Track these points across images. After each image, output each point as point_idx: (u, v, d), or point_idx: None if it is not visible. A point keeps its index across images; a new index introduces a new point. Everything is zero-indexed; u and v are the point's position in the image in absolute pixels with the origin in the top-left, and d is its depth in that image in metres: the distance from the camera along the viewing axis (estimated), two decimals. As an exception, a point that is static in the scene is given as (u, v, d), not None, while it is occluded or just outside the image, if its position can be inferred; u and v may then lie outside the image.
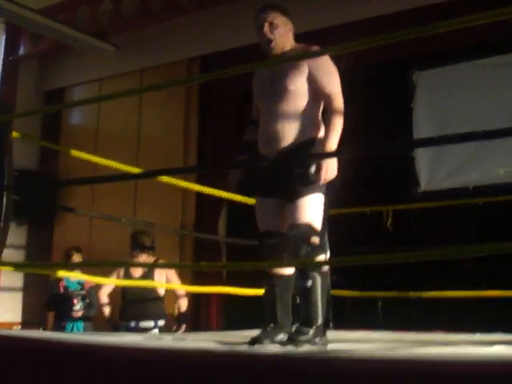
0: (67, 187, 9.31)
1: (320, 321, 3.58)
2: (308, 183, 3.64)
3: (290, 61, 3.87)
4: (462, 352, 3.16)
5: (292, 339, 3.49)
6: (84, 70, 9.95)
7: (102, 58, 9.48)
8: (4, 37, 10.17)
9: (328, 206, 3.98)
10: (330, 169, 3.68)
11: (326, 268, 3.74)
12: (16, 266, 7.11)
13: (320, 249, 3.69)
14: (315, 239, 3.64)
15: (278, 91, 3.83)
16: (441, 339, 4.52)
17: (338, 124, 3.83)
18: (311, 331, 3.53)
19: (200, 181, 7.53)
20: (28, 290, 9.91)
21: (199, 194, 8.10)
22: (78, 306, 7.37)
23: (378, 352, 3.09)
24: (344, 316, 6.99)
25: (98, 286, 7.23)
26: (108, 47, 9.32)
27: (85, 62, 9.87)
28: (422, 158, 7.45)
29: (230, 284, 6.28)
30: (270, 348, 3.31)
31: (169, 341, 3.83)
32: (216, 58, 8.50)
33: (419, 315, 6.88)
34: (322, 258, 3.72)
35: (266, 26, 3.87)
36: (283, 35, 3.90)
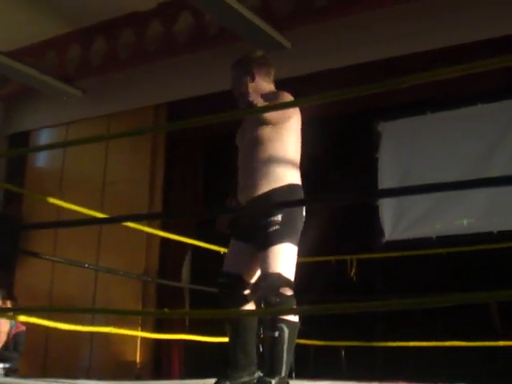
0: (30, 231, 9.22)
1: (284, 372, 3.53)
2: (277, 230, 3.64)
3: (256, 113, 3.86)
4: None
5: None
6: (50, 114, 9.91)
7: (68, 102, 9.46)
8: (-30, 78, 10.13)
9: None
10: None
11: (295, 319, 3.66)
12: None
13: (289, 299, 3.63)
14: (285, 290, 3.60)
15: (247, 140, 3.90)
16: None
17: None
18: (273, 382, 3.48)
19: (165, 228, 7.51)
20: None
21: (163, 242, 8.07)
22: None
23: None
24: (307, 365, 6.95)
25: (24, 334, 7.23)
26: (75, 91, 9.31)
27: (51, 105, 9.84)
28: (387, 208, 7.49)
29: (192, 332, 6.23)
30: None
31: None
32: (183, 105, 8.52)
33: (383, 365, 6.87)
34: (291, 307, 3.65)
35: (237, 93, 3.99)
36: (254, 92, 3.91)
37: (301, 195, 3.89)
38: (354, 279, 7.13)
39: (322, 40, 7.52)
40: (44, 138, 10.12)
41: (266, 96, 3.90)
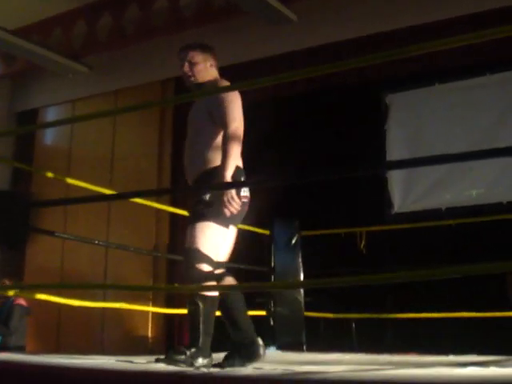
0: (40, 208, 9.24)
1: (201, 344, 3.73)
2: (203, 209, 3.84)
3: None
4: (435, 374, 3.16)
5: (168, 357, 3.65)
6: (58, 91, 9.91)
7: (75, 79, 9.45)
8: (-24, 57, 10.13)
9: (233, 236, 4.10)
10: (230, 197, 3.79)
11: (214, 293, 3.85)
12: (-13, 289, 7.05)
13: (208, 275, 3.82)
14: (202, 266, 3.80)
15: (192, 125, 4.17)
16: (414, 361, 4.52)
17: (231, 151, 3.91)
18: (188, 352, 3.68)
19: (174, 203, 7.51)
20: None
21: (173, 216, 8.08)
22: None
23: (350, 374, 3.08)
24: (317, 338, 6.99)
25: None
26: (82, 68, 9.30)
27: (58, 83, 9.83)
28: (396, 180, 7.48)
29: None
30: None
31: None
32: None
33: (393, 337, 6.89)
34: (210, 283, 3.82)
35: (186, 65, 4.22)
36: (202, 70, 4.22)
37: (240, 178, 4.01)
38: (364, 252, 7.15)
39: (329, 12, 7.48)
40: (52, 115, 10.12)
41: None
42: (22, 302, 7.51)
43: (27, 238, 9.82)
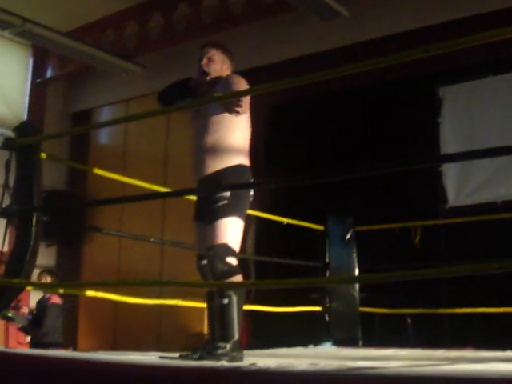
0: (96, 207, 9.36)
1: (236, 336, 3.76)
2: (225, 205, 3.88)
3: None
4: (491, 369, 3.13)
5: (210, 353, 3.65)
6: (111, 91, 10.03)
7: (128, 78, 9.55)
8: (31, 60, 10.30)
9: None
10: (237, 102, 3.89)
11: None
12: (46, 287, 7.16)
13: (236, 268, 3.89)
14: (231, 260, 3.87)
15: (201, 120, 4.19)
16: (471, 356, 4.48)
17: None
18: (228, 346, 3.71)
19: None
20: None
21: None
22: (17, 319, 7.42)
23: (407, 370, 3.07)
24: (373, 333, 6.96)
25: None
26: (134, 68, 9.40)
27: (112, 83, 9.95)
28: (450, 174, 7.41)
29: (258, 303, 6.26)
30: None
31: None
32: (243, 76, 8.52)
33: (449, 332, 6.83)
34: (238, 277, 3.89)
35: (205, 59, 4.29)
36: (217, 70, 4.28)
37: (249, 176, 4.11)
38: (419, 246, 7.09)
39: (380, 6, 7.45)
40: (105, 115, 10.26)
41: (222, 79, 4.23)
42: (57, 300, 7.56)
43: (83, 237, 9.98)
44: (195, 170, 4.20)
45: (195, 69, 4.32)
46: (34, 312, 7.57)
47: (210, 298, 4.09)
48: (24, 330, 7.67)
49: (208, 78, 4.25)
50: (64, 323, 7.73)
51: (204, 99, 4.09)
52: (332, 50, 7.73)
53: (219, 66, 4.29)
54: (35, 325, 7.40)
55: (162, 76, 9.26)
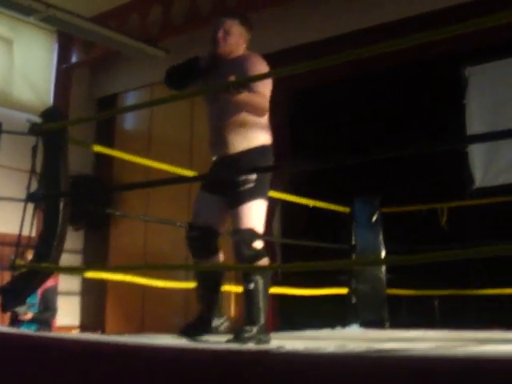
0: (123, 192, 9.41)
1: (263, 320, 3.77)
2: (251, 188, 3.84)
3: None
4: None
5: (238, 337, 3.66)
6: (136, 76, 10.05)
7: (153, 63, 9.56)
8: (56, 45, 10.35)
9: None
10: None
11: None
12: (74, 271, 7.22)
13: (262, 252, 3.88)
14: (257, 244, 3.86)
15: (223, 98, 3.93)
16: (499, 337, 4.47)
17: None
18: (255, 329, 3.71)
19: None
20: (85, 293, 10.06)
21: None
22: (22, 310, 6.99)
23: (435, 351, 3.07)
24: (400, 315, 6.96)
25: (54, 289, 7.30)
26: (159, 52, 9.41)
27: (136, 67, 9.97)
28: (476, 155, 7.36)
29: (285, 285, 6.28)
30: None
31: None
32: (268, 58, 8.50)
33: (477, 313, 6.81)
34: (265, 261, 3.88)
35: (222, 32, 4.09)
36: (234, 44, 4.08)
37: (271, 157, 4.03)
38: (445, 228, 7.06)
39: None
40: (130, 100, 10.29)
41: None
42: (52, 282, 7.55)
43: (110, 221, 10.05)
44: (215, 146, 4.06)
45: (209, 40, 4.14)
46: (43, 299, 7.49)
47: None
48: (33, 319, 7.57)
49: (220, 50, 4.06)
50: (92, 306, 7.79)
51: (224, 83, 3.78)
52: (355, 31, 7.69)
53: (236, 39, 4.09)
54: (44, 310, 7.40)
55: (186, 60, 9.28)
